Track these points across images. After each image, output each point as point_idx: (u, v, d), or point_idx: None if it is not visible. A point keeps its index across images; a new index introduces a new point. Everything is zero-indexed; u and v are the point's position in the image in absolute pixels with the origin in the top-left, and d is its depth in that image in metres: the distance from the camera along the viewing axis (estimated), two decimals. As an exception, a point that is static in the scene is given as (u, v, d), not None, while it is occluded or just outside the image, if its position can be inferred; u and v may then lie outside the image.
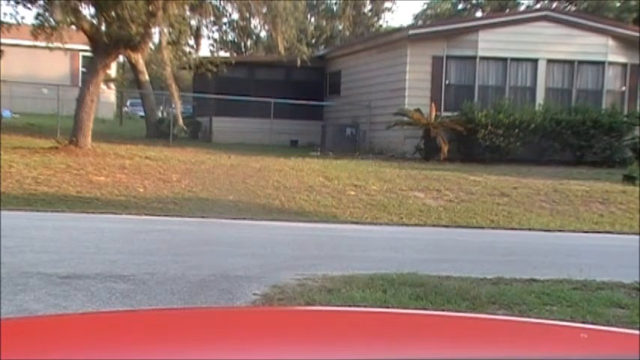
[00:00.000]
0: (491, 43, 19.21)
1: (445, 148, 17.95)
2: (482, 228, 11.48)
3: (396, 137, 19.08)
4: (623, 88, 20.06)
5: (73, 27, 16.19)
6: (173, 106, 27.20)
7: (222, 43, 35.73)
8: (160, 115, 26.50)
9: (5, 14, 30.53)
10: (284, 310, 2.59)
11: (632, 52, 19.51)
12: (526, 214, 12.50)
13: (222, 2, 19.70)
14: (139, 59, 21.52)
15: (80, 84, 19.87)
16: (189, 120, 23.40)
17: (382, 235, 10.08)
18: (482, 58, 19.30)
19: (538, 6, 33.08)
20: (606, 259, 8.41)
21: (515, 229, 11.47)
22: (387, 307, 4.59)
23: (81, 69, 29.57)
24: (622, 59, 19.77)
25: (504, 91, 19.43)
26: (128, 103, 38.72)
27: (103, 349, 1.17)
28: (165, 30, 16.93)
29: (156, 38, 19.19)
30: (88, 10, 16.38)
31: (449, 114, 18.62)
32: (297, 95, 21.69)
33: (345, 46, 26.26)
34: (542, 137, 18.25)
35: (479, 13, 35.80)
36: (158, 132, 21.90)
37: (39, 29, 16.57)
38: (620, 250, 9.64)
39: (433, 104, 18.63)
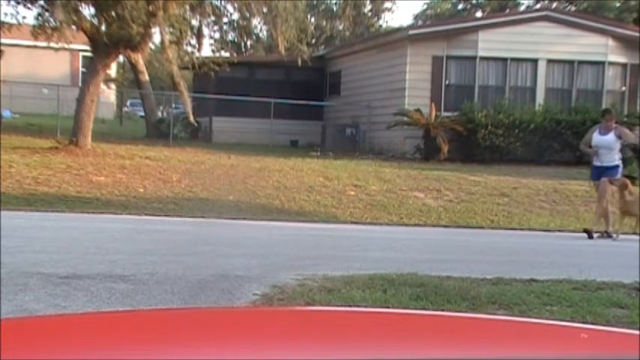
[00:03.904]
0: (491, 43, 19.22)
1: (445, 148, 17.95)
2: (482, 228, 11.48)
3: (396, 137, 19.08)
4: (623, 88, 20.07)
5: (73, 27, 16.19)
6: (174, 105, 27.25)
7: (223, 43, 35.73)
8: (159, 115, 26.51)
9: (5, 14, 30.56)
10: (284, 310, 2.59)
11: (632, 52, 19.51)
12: (526, 214, 12.50)
13: (222, 2, 19.70)
14: (139, 59, 21.52)
15: (80, 84, 19.89)
16: (188, 120, 23.41)
17: (382, 235, 10.08)
18: (482, 58, 19.30)
19: (538, 6, 33.09)
20: (606, 259, 8.40)
21: (515, 229, 11.47)
22: (387, 307, 4.59)
23: (81, 69, 29.59)
24: (622, 59, 19.77)
25: (504, 91, 19.43)
26: (128, 103, 38.74)
27: (103, 349, 1.17)
28: (166, 30, 16.93)
29: (156, 38, 19.22)
30: (88, 10, 16.40)
31: (449, 114, 18.62)
32: (297, 95, 21.70)
33: (345, 46, 26.27)
34: (542, 137, 18.25)
35: (479, 13, 35.81)
36: (158, 132, 21.91)
37: (39, 29, 16.57)
38: (620, 250, 9.63)
39: (433, 104, 18.63)
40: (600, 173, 10.40)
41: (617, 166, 10.37)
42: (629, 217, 10.59)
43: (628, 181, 10.37)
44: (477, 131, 17.98)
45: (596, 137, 10.45)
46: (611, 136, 10.29)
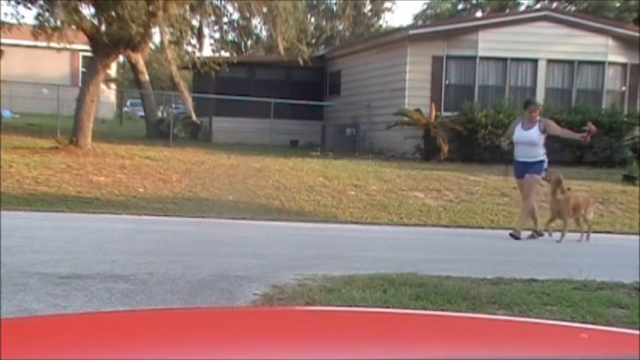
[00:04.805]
0: (492, 43, 19.22)
1: (445, 148, 17.95)
2: (482, 228, 11.46)
3: (396, 137, 19.08)
4: (623, 88, 20.07)
5: (74, 27, 16.20)
6: (174, 105, 27.26)
7: (223, 43, 35.76)
8: (159, 115, 26.50)
9: (6, 14, 30.56)
10: (284, 310, 2.59)
11: (632, 52, 19.52)
12: (526, 214, 12.46)
13: (222, 2, 19.70)
14: (139, 59, 21.53)
15: (80, 84, 19.88)
16: (188, 120, 23.42)
17: (382, 235, 10.08)
18: (482, 58, 19.31)
19: (538, 6, 33.09)
20: (606, 259, 8.40)
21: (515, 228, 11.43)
22: (387, 307, 4.58)
23: (81, 69, 29.59)
24: (622, 59, 19.78)
25: (504, 91, 19.43)
26: (128, 103, 38.79)
27: (103, 349, 1.17)
28: (166, 30, 16.93)
29: (156, 38, 19.22)
30: (88, 10, 16.41)
31: (449, 114, 18.62)
32: (297, 95, 21.70)
33: (345, 46, 26.27)
34: (542, 137, 18.23)
35: (479, 13, 35.81)
36: (158, 132, 21.91)
37: (39, 29, 16.57)
38: (620, 250, 9.63)
39: (433, 104, 18.63)
40: (524, 169, 9.65)
41: (541, 162, 9.58)
42: (558, 216, 9.75)
43: (562, 178, 9.64)
44: (477, 131, 17.98)
45: (519, 131, 9.64)
46: (534, 130, 9.51)
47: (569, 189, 9.96)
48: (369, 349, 1.20)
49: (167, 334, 1.29)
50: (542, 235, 9.86)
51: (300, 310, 2.49)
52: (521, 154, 9.67)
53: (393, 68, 19.93)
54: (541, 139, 9.57)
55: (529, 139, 9.52)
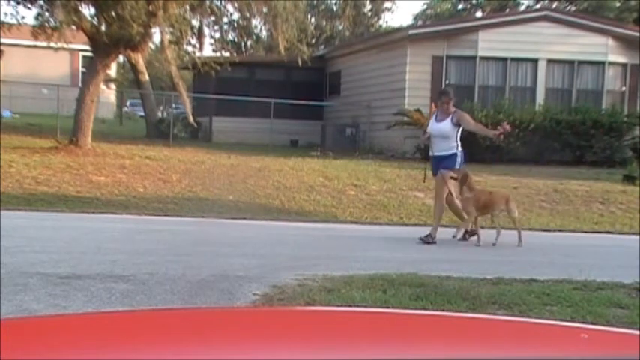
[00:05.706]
0: (492, 43, 19.22)
1: (445, 148, 17.93)
2: (482, 228, 11.46)
3: (396, 137, 19.07)
4: (623, 88, 20.06)
5: (73, 27, 16.20)
6: (174, 105, 27.26)
7: (223, 43, 35.75)
8: (159, 115, 26.50)
9: (6, 14, 30.58)
10: (284, 310, 2.59)
11: (632, 52, 19.51)
12: (526, 214, 12.48)
13: (222, 2, 19.71)
14: (139, 59, 21.53)
15: (80, 84, 19.88)
16: (188, 120, 23.43)
17: (382, 235, 10.08)
18: (482, 58, 19.30)
19: (538, 6, 33.08)
20: (606, 259, 8.40)
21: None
22: (387, 307, 4.58)
23: (81, 69, 29.60)
24: (622, 59, 19.78)
25: (504, 91, 19.43)
26: (128, 103, 38.80)
27: (103, 349, 1.17)
28: (166, 30, 16.94)
29: (156, 38, 19.22)
30: (88, 10, 16.41)
31: (449, 114, 18.60)
32: (297, 95, 21.70)
33: (345, 46, 26.26)
34: (542, 137, 18.24)
35: (479, 13, 35.80)
36: (158, 132, 21.92)
37: (39, 29, 16.58)
38: (620, 250, 9.63)
39: (433, 104, 18.60)
40: (438, 165, 9.14)
41: (454, 155, 9.07)
42: (466, 215, 9.14)
43: (469, 175, 9.12)
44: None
45: (432, 124, 9.15)
46: (447, 123, 9.00)
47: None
48: (369, 349, 1.20)
49: (167, 334, 1.29)
50: (465, 238, 9.34)
51: (300, 310, 2.49)
52: (435, 148, 9.17)
53: (393, 68, 19.92)
54: (454, 131, 9.05)
55: (441, 132, 9.02)
